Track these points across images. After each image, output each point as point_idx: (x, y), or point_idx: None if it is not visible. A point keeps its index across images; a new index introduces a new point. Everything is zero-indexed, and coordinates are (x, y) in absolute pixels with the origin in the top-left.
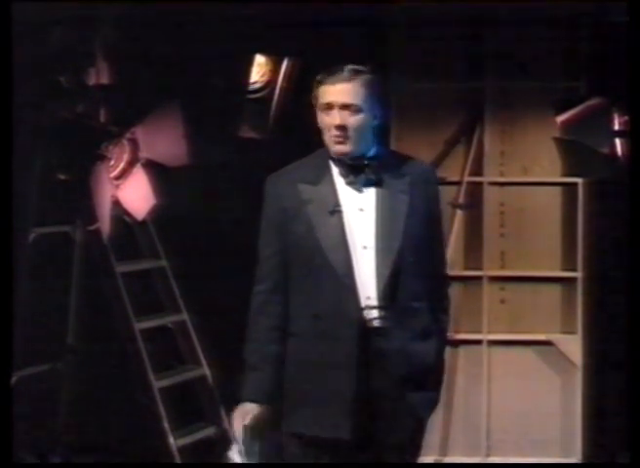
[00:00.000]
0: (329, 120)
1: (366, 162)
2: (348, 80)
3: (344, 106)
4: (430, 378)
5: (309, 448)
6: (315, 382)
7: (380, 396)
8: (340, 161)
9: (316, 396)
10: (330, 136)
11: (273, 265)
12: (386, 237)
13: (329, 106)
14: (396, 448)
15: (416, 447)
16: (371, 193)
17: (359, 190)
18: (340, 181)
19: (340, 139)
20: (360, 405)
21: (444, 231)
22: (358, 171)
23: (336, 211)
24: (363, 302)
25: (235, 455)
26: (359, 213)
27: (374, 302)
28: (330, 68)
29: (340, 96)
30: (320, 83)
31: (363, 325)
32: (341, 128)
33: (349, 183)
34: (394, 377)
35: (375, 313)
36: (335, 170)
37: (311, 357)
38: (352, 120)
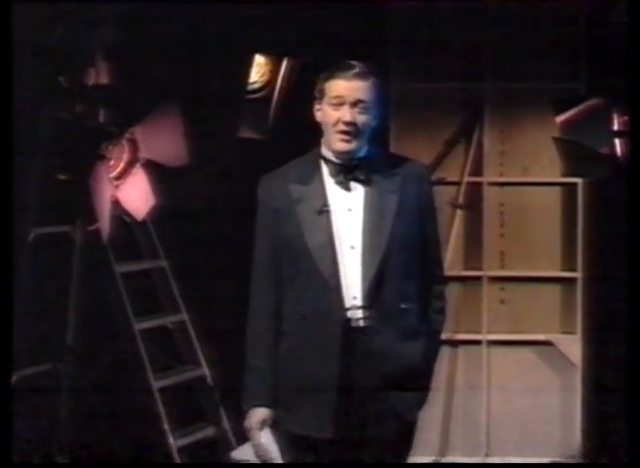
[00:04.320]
0: (338, 115)
1: (355, 162)
2: (362, 77)
3: (356, 103)
4: (416, 379)
5: (296, 447)
6: (301, 381)
7: (363, 395)
8: (330, 160)
9: (301, 394)
10: (335, 132)
11: (267, 267)
12: (373, 237)
13: (339, 101)
14: (381, 447)
15: (404, 447)
16: (359, 193)
17: (348, 190)
18: (329, 181)
19: (347, 137)
20: (344, 404)
21: (439, 231)
22: (348, 170)
23: (324, 210)
24: (349, 302)
25: (240, 456)
26: (347, 213)
27: (359, 302)
28: (339, 63)
29: (354, 92)
30: (331, 76)
31: (348, 324)
32: (351, 124)
33: (338, 183)
34: (378, 377)
35: (360, 313)
36: (325, 170)
37: (298, 356)
38: (361, 118)
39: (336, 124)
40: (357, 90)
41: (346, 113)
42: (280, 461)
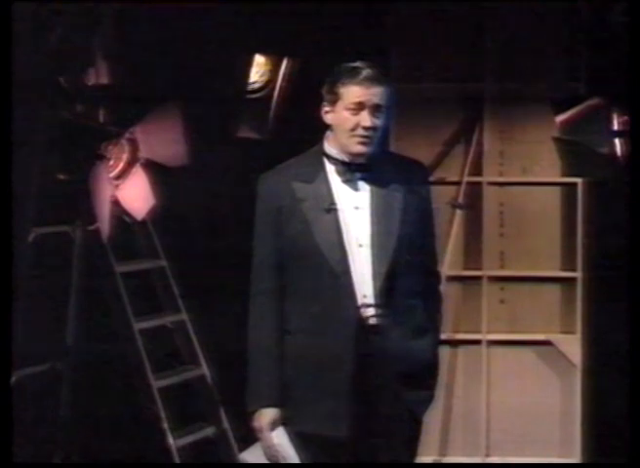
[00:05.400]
0: (356, 120)
1: (362, 160)
2: (379, 82)
3: (374, 108)
4: (426, 376)
5: (308, 446)
6: (312, 380)
7: (376, 394)
8: (335, 158)
9: (313, 394)
10: (353, 136)
11: (270, 265)
12: (382, 235)
13: (360, 106)
14: (393, 445)
15: (413, 445)
16: (366, 191)
17: (354, 188)
18: (334, 179)
19: (367, 141)
20: (356, 402)
21: (436, 230)
22: (353, 169)
23: (331, 209)
24: (359, 301)
25: (251, 457)
26: (354, 211)
27: (370, 300)
28: (350, 66)
29: (373, 97)
30: (347, 82)
31: (359, 323)
32: (372, 129)
33: (345, 181)
34: (391, 375)
35: (371, 311)
36: (329, 167)
37: (308, 355)
38: (378, 122)
39: (354, 128)
40: (376, 95)
41: (367, 118)
42: (296, 461)
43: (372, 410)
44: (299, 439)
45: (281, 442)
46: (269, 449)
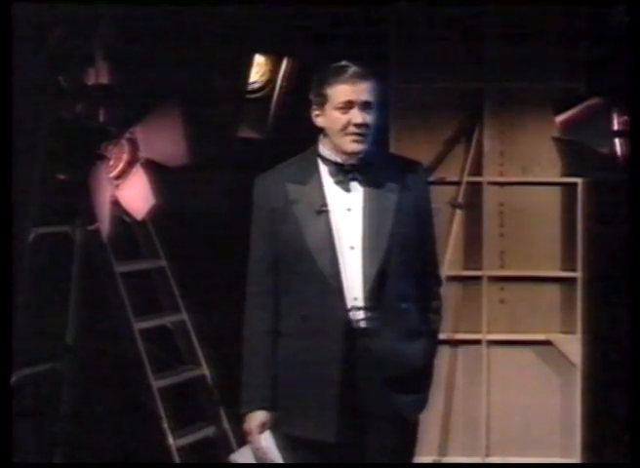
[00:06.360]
0: (347, 118)
1: (355, 161)
2: (365, 78)
3: (364, 104)
4: (418, 380)
5: (298, 449)
6: (302, 383)
7: (366, 397)
8: (329, 160)
9: (302, 397)
10: (346, 135)
11: (264, 266)
12: (373, 237)
13: (349, 105)
14: (384, 449)
15: (407, 448)
16: (358, 193)
17: (347, 190)
18: (327, 181)
19: (360, 138)
20: (346, 406)
21: (435, 231)
22: (347, 170)
23: (323, 210)
24: (350, 303)
25: (241, 459)
26: (346, 213)
27: (360, 303)
28: (335, 67)
29: (361, 94)
30: (334, 82)
31: (349, 326)
32: (364, 126)
33: (338, 183)
34: (381, 378)
35: (361, 314)
36: (323, 169)
37: (299, 357)
38: (369, 118)
39: (346, 127)
40: (364, 91)
41: (357, 115)
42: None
43: (362, 414)
44: (289, 441)
45: (269, 445)
46: (258, 452)
